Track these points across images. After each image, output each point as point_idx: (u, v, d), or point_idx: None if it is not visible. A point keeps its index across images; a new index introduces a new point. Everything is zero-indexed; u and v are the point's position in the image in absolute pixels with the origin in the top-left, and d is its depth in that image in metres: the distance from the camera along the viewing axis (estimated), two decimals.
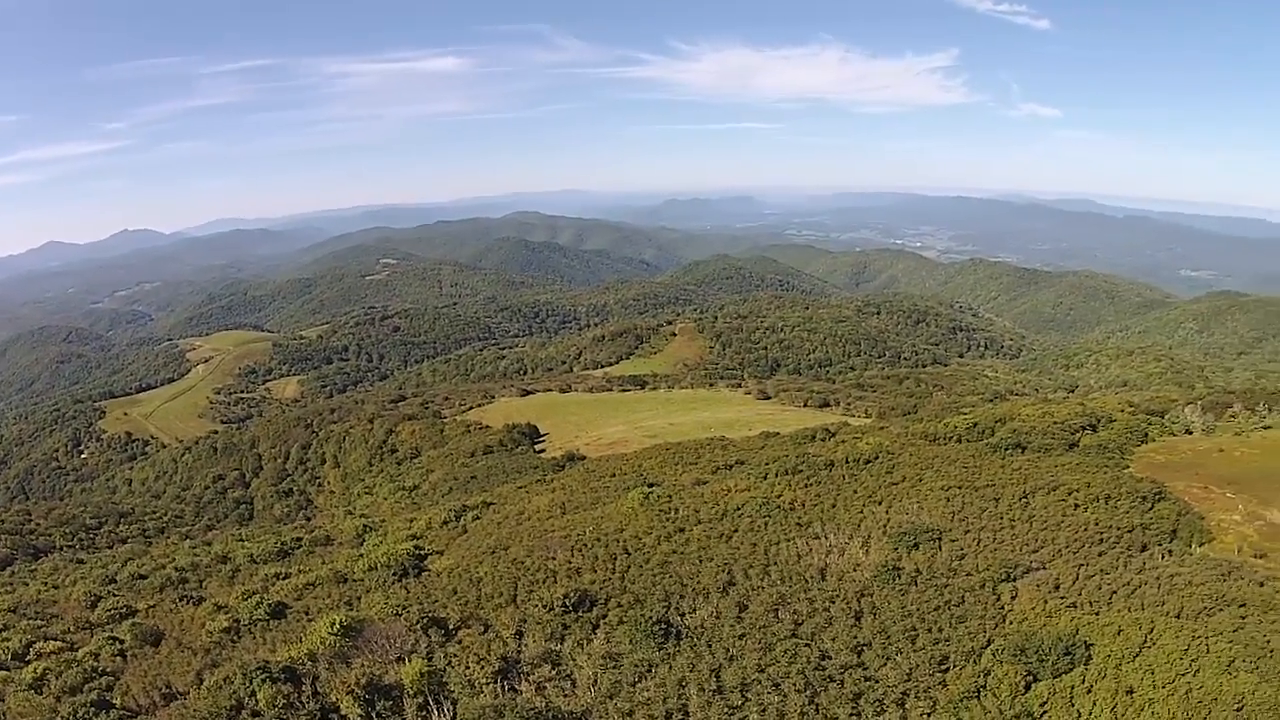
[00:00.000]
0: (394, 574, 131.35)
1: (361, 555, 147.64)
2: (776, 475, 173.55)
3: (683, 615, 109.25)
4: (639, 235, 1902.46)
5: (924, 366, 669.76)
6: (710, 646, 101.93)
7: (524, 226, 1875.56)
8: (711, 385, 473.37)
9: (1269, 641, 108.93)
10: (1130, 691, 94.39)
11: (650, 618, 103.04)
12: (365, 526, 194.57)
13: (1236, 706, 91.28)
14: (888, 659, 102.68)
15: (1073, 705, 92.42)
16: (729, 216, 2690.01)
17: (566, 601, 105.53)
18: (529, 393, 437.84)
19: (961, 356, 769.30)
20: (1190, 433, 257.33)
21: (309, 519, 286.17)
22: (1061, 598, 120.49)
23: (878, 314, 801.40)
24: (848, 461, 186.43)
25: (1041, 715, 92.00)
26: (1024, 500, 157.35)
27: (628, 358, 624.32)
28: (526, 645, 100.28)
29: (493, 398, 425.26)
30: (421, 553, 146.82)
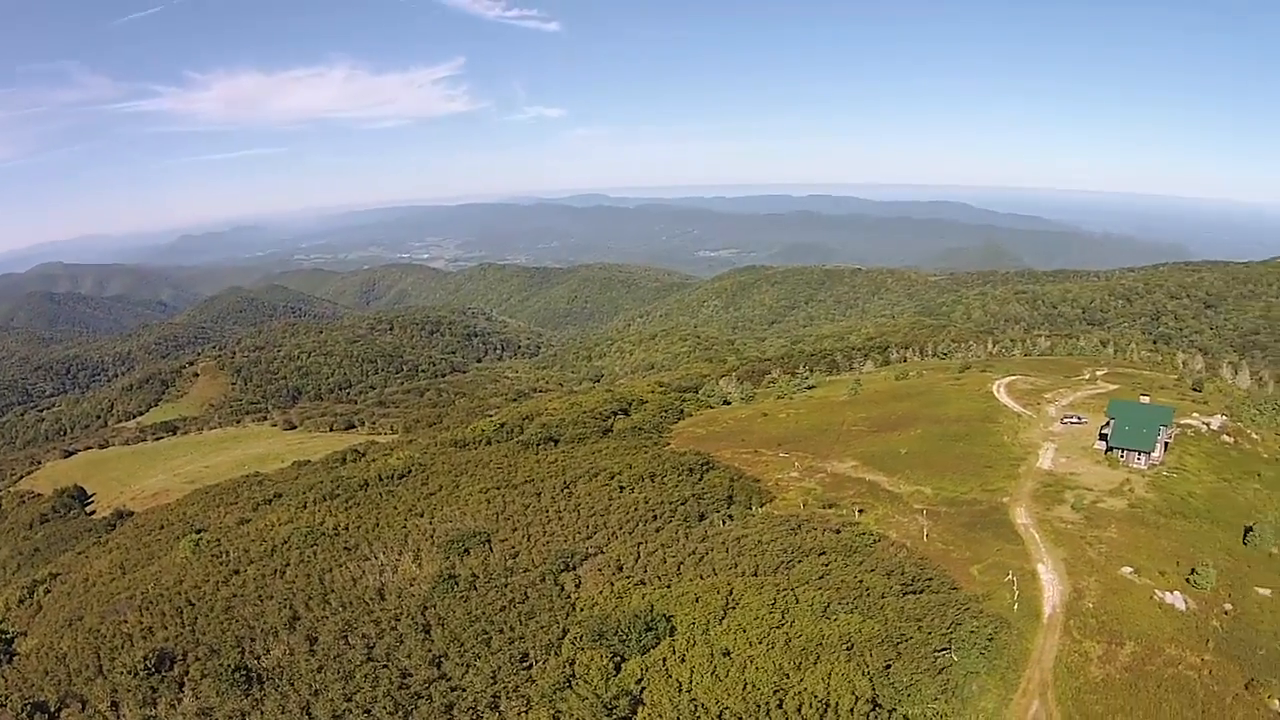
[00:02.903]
0: None
1: None
2: (315, 502, 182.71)
3: (259, 658, 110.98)
4: (156, 276, 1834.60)
5: (443, 376, 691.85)
6: (294, 685, 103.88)
7: (49, 279, 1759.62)
8: (239, 422, 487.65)
9: (861, 581, 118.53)
10: (727, 653, 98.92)
11: (229, 666, 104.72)
12: None
13: (846, 646, 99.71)
14: (468, 666, 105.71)
15: (670, 676, 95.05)
16: (241, 247, 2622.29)
17: (148, 664, 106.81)
18: (72, 453, 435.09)
19: (480, 361, 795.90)
20: (729, 403, 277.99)
21: None
22: (627, 577, 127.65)
23: (391, 329, 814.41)
24: (382, 479, 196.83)
25: (641, 691, 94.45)
26: (566, 491, 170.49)
27: (157, 404, 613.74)
28: (124, 715, 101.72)
29: (39, 463, 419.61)
30: (7, 635, 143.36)
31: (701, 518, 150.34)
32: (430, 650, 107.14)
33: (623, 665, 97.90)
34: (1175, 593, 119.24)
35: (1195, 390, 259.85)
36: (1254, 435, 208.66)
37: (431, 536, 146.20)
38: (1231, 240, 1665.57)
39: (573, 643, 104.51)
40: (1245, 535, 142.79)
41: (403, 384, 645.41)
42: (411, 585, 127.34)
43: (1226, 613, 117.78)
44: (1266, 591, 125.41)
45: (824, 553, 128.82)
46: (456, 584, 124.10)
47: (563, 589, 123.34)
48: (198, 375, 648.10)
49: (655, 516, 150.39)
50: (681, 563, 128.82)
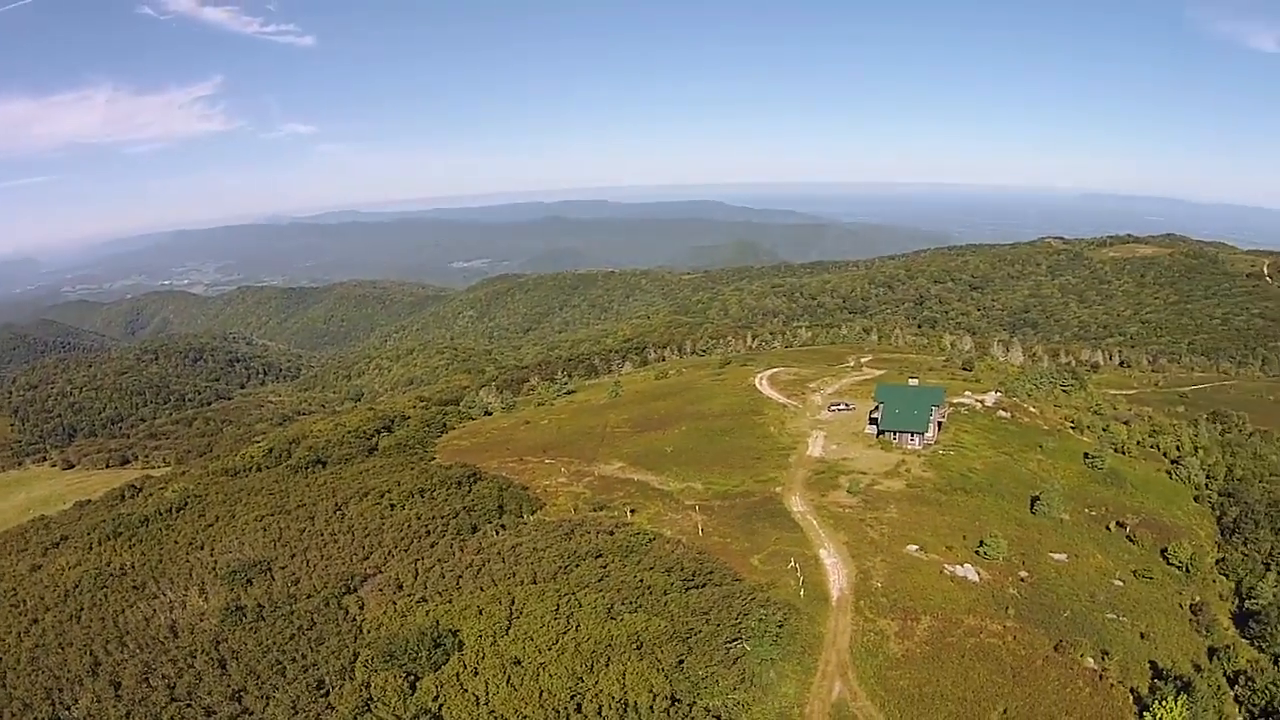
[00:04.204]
0: None
1: None
2: (100, 542, 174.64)
3: (69, 708, 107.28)
4: None
5: (209, 404, 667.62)
6: None
7: None
8: (20, 464, 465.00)
9: (642, 580, 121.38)
10: (518, 662, 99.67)
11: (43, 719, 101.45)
12: None
13: (636, 645, 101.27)
14: (268, 698, 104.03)
15: (466, 691, 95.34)
16: (14, 280, 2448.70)
17: None
18: None
19: (243, 387, 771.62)
20: (490, 413, 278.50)
21: None
22: (409, 595, 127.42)
23: (156, 359, 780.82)
24: (160, 513, 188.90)
25: (440, 708, 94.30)
26: (339, 512, 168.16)
27: None
28: None
29: None
30: None
31: (474, 529, 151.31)
32: (229, 685, 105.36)
33: (418, 684, 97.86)
34: (966, 565, 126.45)
35: (966, 370, 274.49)
36: (1031, 409, 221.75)
37: (214, 569, 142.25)
38: (994, 224, 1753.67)
39: (365, 665, 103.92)
40: (1033, 505, 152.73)
41: (171, 414, 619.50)
42: (201, 620, 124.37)
43: (1023, 580, 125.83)
44: (1062, 556, 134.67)
45: (601, 555, 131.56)
46: (244, 615, 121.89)
47: (347, 612, 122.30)
48: None
49: (429, 532, 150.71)
50: (460, 576, 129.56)
